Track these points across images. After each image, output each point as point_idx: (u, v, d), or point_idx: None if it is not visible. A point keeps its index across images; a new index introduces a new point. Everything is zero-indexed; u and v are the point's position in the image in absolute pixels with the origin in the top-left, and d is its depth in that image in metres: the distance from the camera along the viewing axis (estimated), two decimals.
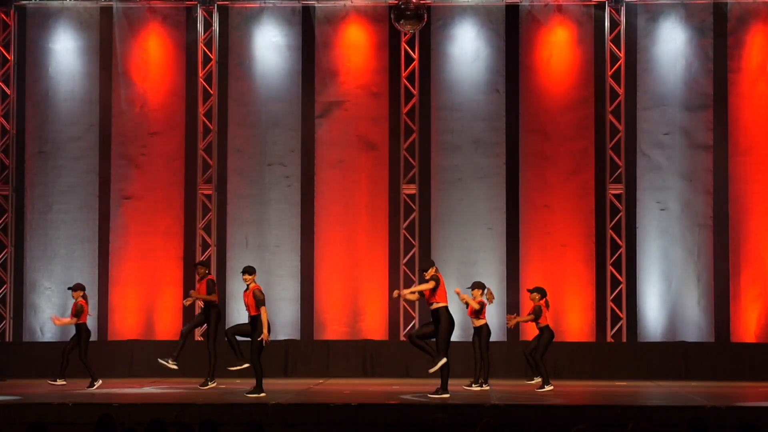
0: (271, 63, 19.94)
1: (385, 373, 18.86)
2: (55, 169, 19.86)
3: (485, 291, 16.17)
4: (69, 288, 16.78)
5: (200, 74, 19.91)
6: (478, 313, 16.07)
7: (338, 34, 19.93)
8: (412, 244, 19.61)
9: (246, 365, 15.03)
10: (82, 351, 16.11)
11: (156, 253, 19.70)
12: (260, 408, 12.91)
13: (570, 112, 19.66)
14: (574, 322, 19.18)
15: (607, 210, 19.46)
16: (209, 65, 19.90)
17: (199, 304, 17.42)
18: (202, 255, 19.58)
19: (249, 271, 15.10)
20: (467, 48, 19.80)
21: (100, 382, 16.11)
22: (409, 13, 18.23)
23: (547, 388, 15.72)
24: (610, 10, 19.56)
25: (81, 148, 19.88)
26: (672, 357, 18.74)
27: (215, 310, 16.27)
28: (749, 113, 19.42)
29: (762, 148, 19.37)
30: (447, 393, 14.36)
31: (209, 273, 16.92)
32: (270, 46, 19.96)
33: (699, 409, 12.72)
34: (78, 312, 16.21)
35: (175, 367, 15.94)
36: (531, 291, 16.30)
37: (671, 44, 19.56)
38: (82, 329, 16.23)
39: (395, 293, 15.24)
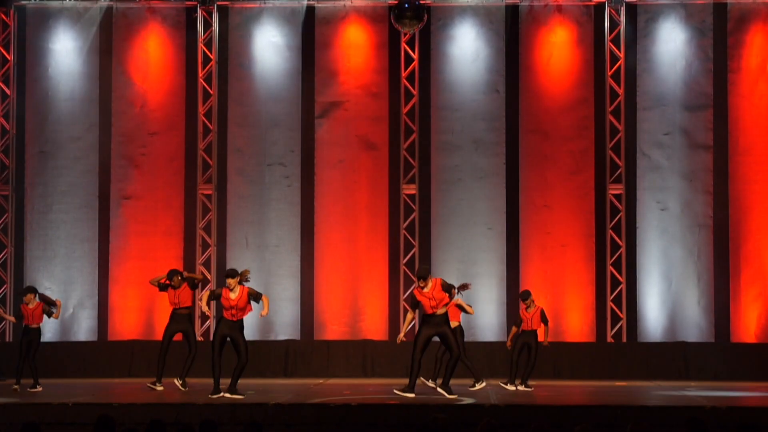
0: (270, 63, 19.94)
1: (385, 373, 18.84)
2: (55, 169, 19.85)
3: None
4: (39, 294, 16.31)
5: (200, 74, 19.91)
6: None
7: (338, 34, 19.93)
8: (412, 244, 19.61)
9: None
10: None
11: (156, 253, 19.68)
12: (260, 408, 12.91)
13: (570, 112, 19.66)
14: (574, 322, 19.17)
15: (607, 210, 19.46)
16: (209, 65, 19.90)
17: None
18: (202, 255, 19.60)
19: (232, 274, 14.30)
20: (467, 48, 19.80)
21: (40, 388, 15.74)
22: (408, 13, 18.24)
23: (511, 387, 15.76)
24: (610, 10, 19.56)
25: (81, 148, 19.88)
26: (672, 357, 18.73)
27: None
28: (749, 113, 19.42)
29: (762, 148, 19.37)
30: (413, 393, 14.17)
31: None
32: (270, 46, 19.96)
33: (699, 409, 12.69)
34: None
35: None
36: (525, 298, 15.95)
37: (671, 44, 19.56)
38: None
39: None
